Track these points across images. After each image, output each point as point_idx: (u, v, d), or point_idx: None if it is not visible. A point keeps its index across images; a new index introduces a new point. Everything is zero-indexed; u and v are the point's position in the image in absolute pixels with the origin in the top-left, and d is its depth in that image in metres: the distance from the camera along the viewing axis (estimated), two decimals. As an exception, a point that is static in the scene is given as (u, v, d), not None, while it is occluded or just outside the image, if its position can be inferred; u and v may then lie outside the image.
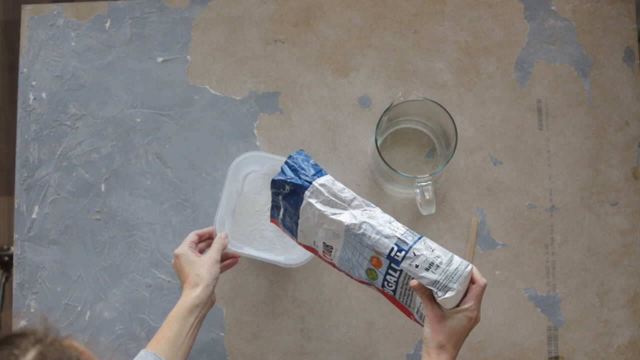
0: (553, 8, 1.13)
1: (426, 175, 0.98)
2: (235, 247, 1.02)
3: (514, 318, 1.08)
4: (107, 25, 1.17)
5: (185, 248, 0.95)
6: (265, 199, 1.06)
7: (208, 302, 0.91)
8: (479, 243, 1.09)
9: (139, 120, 1.14)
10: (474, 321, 0.80)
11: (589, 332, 1.07)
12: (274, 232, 1.06)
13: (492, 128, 1.11)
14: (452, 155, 0.98)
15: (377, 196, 1.10)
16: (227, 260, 1.01)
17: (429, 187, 0.98)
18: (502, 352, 1.07)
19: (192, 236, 0.97)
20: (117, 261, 1.11)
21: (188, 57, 1.15)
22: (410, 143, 1.11)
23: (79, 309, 1.11)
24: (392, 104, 0.99)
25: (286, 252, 1.05)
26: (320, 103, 1.13)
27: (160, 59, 1.15)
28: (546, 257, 1.09)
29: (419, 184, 0.98)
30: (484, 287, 0.80)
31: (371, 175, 1.11)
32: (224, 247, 0.96)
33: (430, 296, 0.80)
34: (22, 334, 0.54)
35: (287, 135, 1.12)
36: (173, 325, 0.88)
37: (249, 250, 1.04)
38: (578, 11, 1.13)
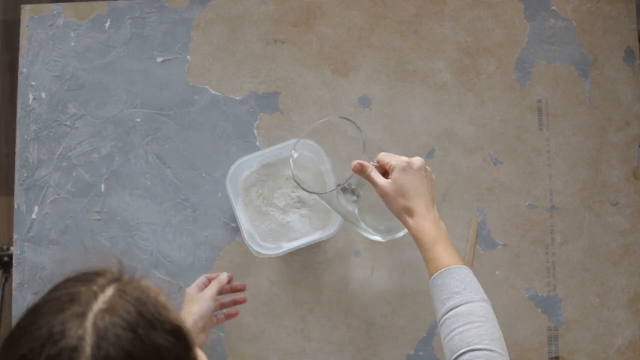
0: (553, 8, 1.13)
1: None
2: (271, 251, 1.03)
3: (514, 318, 1.08)
4: (107, 25, 1.16)
5: (192, 287, 0.96)
6: (272, 192, 1.07)
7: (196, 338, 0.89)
8: (479, 243, 1.09)
9: (138, 120, 1.14)
10: (406, 168, 0.84)
11: (589, 332, 1.07)
12: (297, 218, 1.07)
13: (492, 128, 1.11)
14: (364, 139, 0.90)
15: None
16: (231, 309, 1.01)
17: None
18: (502, 352, 1.07)
19: (202, 278, 0.99)
20: (117, 261, 1.11)
21: (188, 57, 1.15)
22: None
23: (78, 309, 1.10)
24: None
25: (318, 228, 1.06)
26: (320, 103, 1.13)
27: (160, 59, 1.15)
28: (546, 257, 1.09)
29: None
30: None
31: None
32: (221, 286, 0.97)
33: (371, 178, 0.85)
34: (99, 272, 0.54)
35: (287, 135, 1.12)
36: None
37: (289, 245, 1.04)
38: (578, 11, 1.13)
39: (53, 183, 1.13)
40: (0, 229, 1.89)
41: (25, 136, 1.15)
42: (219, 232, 1.11)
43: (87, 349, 0.48)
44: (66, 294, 0.52)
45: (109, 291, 0.52)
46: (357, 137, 0.88)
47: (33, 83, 1.16)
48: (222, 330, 1.09)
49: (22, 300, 1.11)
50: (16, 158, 1.14)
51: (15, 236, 1.13)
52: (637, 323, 1.07)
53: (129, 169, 1.13)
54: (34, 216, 1.13)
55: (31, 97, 1.15)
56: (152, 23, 1.16)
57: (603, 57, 1.12)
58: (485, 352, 0.74)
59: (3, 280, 1.63)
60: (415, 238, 0.84)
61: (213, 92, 1.14)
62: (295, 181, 0.92)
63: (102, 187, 1.13)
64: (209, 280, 0.98)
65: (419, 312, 1.08)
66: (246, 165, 1.06)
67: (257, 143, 1.12)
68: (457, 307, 0.78)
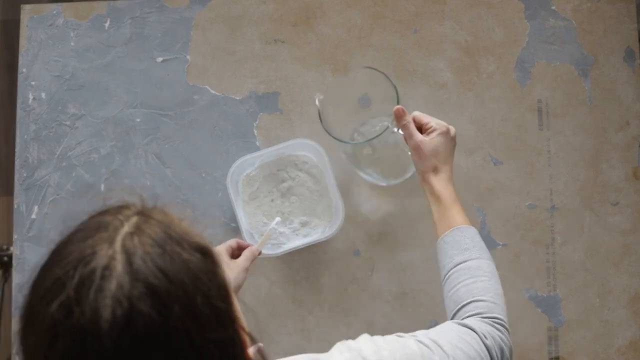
0: (553, 8, 1.13)
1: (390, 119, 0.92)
2: (271, 250, 1.03)
3: (515, 318, 1.07)
4: (107, 25, 1.16)
5: (222, 249, 0.95)
6: (272, 192, 1.07)
7: None
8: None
9: (138, 120, 1.14)
10: (447, 133, 0.88)
11: (590, 333, 1.07)
12: (297, 218, 1.07)
13: (493, 128, 1.11)
14: (397, 94, 0.92)
15: (378, 195, 1.10)
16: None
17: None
18: (502, 353, 1.07)
19: (232, 241, 0.97)
20: (117, 261, 1.11)
21: (188, 57, 1.15)
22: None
23: (78, 309, 1.10)
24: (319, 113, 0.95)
25: (320, 228, 1.06)
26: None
27: (159, 59, 1.15)
28: (547, 257, 1.09)
29: (394, 129, 0.92)
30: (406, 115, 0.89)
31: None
32: (254, 258, 0.96)
33: (408, 128, 0.89)
34: (123, 206, 0.57)
35: (287, 135, 1.12)
36: None
37: (289, 245, 1.05)
38: (578, 11, 1.13)
39: (53, 183, 1.13)
40: (0, 229, 1.89)
41: (25, 136, 1.15)
42: (219, 232, 1.10)
43: (119, 265, 0.50)
44: (93, 224, 0.55)
45: (134, 219, 0.54)
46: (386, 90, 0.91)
47: (33, 83, 1.16)
48: (222, 330, 1.09)
49: (22, 300, 1.11)
50: (16, 158, 1.14)
51: (15, 236, 1.13)
52: (638, 323, 1.07)
53: (129, 169, 1.13)
54: (33, 216, 1.13)
55: (31, 97, 1.15)
56: (152, 23, 1.16)
57: (603, 57, 1.12)
58: (489, 303, 0.76)
59: (3, 281, 1.62)
60: (435, 196, 0.88)
61: (213, 92, 1.14)
62: (323, 127, 0.95)
63: (102, 187, 1.13)
64: (238, 244, 0.97)
65: (419, 312, 1.08)
66: (246, 165, 1.06)
67: (257, 143, 1.12)
68: (465, 261, 0.80)
